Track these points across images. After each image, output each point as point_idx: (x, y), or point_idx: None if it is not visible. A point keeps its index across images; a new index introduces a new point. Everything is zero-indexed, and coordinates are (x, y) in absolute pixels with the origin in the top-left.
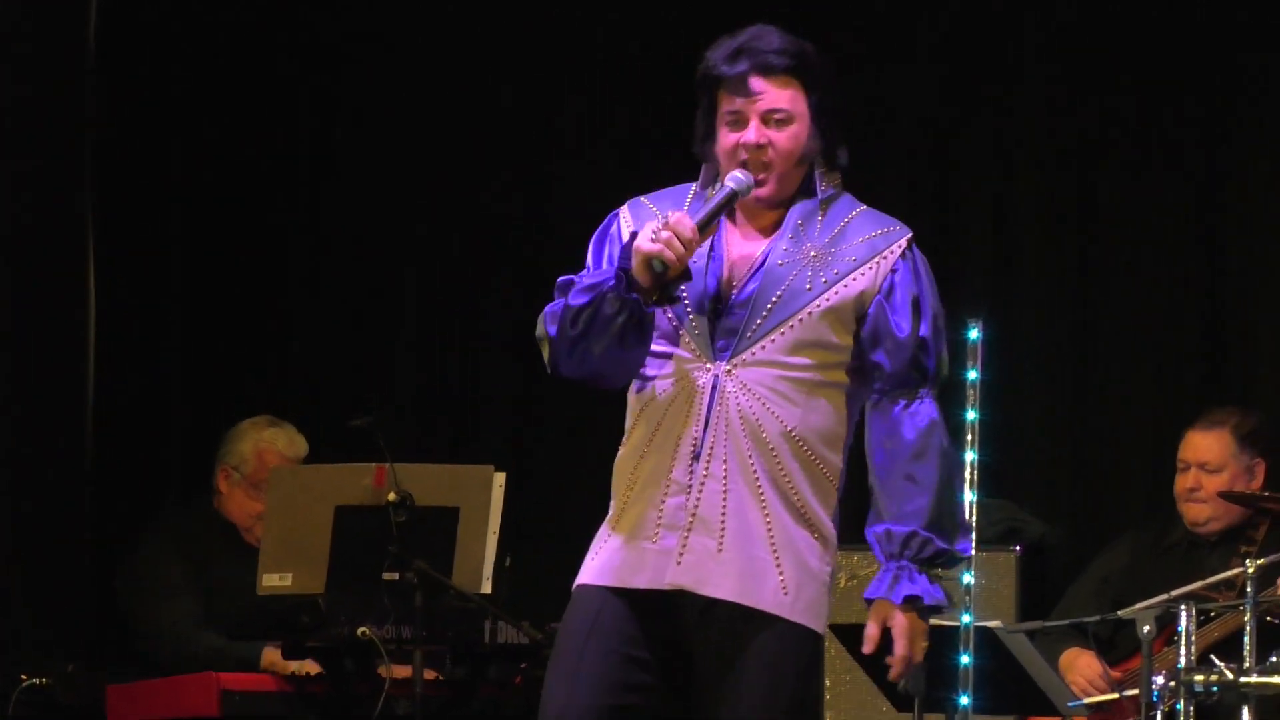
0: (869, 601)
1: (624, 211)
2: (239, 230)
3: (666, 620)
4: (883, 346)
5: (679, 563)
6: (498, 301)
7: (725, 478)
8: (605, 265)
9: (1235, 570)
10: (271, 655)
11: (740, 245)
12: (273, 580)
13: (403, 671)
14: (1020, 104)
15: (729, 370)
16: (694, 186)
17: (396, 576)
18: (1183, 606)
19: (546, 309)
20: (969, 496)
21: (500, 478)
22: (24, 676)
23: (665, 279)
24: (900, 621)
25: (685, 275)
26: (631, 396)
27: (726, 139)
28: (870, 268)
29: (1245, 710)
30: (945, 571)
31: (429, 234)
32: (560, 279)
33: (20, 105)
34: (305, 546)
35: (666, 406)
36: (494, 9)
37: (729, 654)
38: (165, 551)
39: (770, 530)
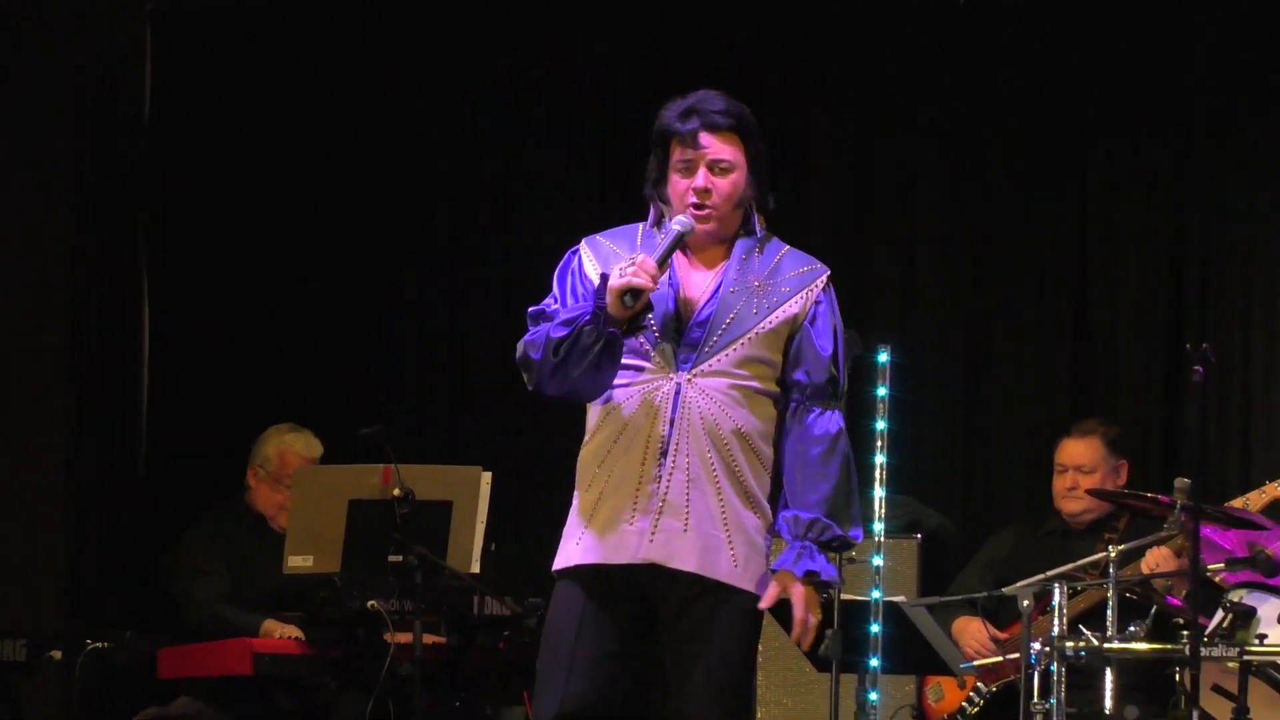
0: (774, 571)
1: (583, 248)
2: (267, 273)
3: (636, 592)
4: (805, 364)
5: (651, 540)
6: (482, 330)
7: (689, 469)
8: (570, 297)
9: (1100, 554)
10: (269, 625)
11: (693, 276)
12: (296, 561)
13: (405, 638)
14: (920, 160)
15: (690, 379)
16: (643, 225)
17: (400, 559)
18: (1056, 584)
19: (526, 338)
20: (879, 493)
21: (487, 477)
22: (89, 641)
23: (635, 311)
24: (799, 591)
25: (649, 307)
26: (596, 403)
27: (678, 184)
28: (800, 298)
29: (1108, 671)
30: (837, 556)
31: (420, 277)
32: (531, 309)
33: (83, 154)
34: (324, 533)
35: (634, 409)
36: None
37: (691, 617)
38: (201, 542)
39: (724, 513)
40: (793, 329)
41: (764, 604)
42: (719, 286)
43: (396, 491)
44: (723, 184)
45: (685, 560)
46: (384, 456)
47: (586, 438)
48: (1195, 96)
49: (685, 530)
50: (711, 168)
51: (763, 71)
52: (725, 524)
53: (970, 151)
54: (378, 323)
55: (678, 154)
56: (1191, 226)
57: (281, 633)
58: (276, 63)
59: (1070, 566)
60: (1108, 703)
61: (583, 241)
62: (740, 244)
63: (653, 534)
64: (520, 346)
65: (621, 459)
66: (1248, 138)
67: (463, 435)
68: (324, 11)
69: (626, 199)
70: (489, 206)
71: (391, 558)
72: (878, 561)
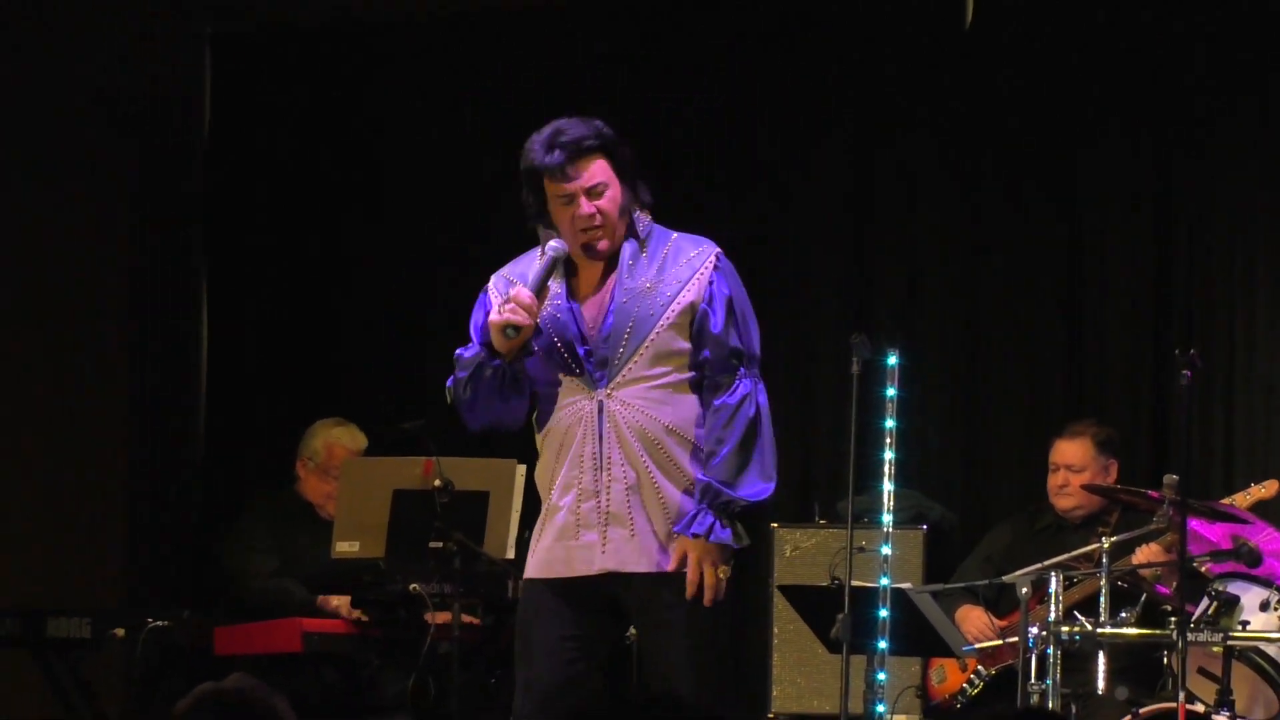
0: (675, 534)
1: (490, 286)
2: (314, 280)
3: (592, 595)
4: (706, 345)
5: (603, 552)
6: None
7: (625, 479)
8: (480, 336)
9: (1093, 546)
10: (333, 600)
11: (588, 292)
12: (344, 547)
13: (444, 618)
14: (920, 166)
15: (609, 394)
16: (538, 250)
17: (440, 545)
18: (1052, 574)
19: (448, 382)
20: (888, 487)
21: (521, 469)
22: (149, 620)
23: (519, 341)
24: (691, 555)
25: (536, 332)
26: (536, 426)
27: (563, 216)
28: (694, 282)
29: (1100, 654)
30: (730, 519)
31: (455, 281)
32: (456, 352)
33: (145, 165)
34: (369, 521)
35: (565, 430)
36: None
37: (655, 607)
38: (255, 525)
39: (666, 509)
40: (692, 313)
41: (670, 567)
42: (612, 300)
43: (437, 482)
44: (604, 204)
45: (638, 563)
46: (425, 449)
47: (538, 455)
48: (1189, 99)
49: (632, 535)
50: (589, 194)
51: (762, 74)
52: (668, 519)
53: (968, 157)
54: (416, 324)
55: (552, 189)
56: (1178, 235)
57: (338, 603)
58: (327, 83)
59: (1065, 557)
60: (1100, 684)
61: (490, 279)
62: (625, 249)
63: (603, 546)
64: (448, 391)
65: (564, 477)
66: (1233, 145)
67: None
68: (370, 35)
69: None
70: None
71: (432, 544)
72: (886, 550)
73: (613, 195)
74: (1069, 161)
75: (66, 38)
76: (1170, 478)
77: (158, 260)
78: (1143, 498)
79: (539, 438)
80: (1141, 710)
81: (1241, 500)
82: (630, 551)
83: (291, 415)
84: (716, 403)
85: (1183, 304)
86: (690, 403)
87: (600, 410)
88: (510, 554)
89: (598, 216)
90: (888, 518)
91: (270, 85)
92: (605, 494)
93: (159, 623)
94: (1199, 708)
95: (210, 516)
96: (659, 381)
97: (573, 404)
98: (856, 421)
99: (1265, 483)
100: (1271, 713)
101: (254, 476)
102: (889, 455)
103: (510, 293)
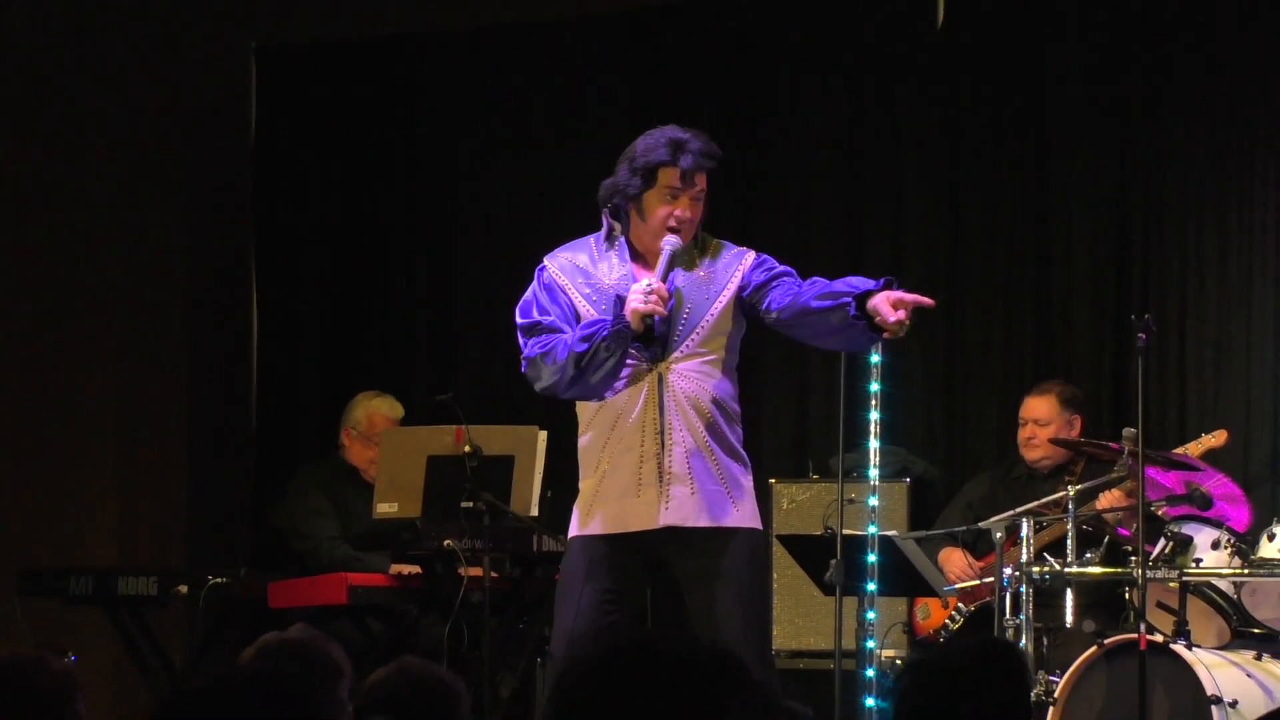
0: (862, 301)
1: (550, 266)
2: (354, 268)
3: (642, 550)
4: (768, 279)
5: (666, 508)
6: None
7: (684, 443)
8: (555, 307)
9: (1060, 494)
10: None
11: (648, 279)
12: (384, 508)
13: (475, 572)
14: (904, 155)
15: (668, 367)
16: (594, 237)
17: (471, 505)
18: (1024, 520)
19: (537, 350)
20: (874, 444)
21: (543, 435)
22: (210, 577)
23: (653, 325)
24: (884, 296)
25: (664, 320)
26: (590, 402)
27: (662, 209)
28: (737, 274)
29: (1068, 591)
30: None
31: (484, 269)
32: (522, 322)
33: (197, 168)
34: (407, 484)
35: (626, 399)
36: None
37: (709, 560)
38: (309, 488)
39: (720, 471)
40: (740, 293)
41: (891, 320)
42: (672, 286)
43: (467, 448)
44: (698, 210)
45: (699, 518)
46: (456, 419)
47: (582, 430)
48: (1145, 92)
49: (693, 494)
50: (696, 200)
51: (758, 74)
52: (723, 480)
53: (947, 144)
54: (448, 306)
55: (667, 181)
56: (1134, 215)
57: (397, 569)
58: (368, 91)
59: (1036, 504)
60: (1069, 618)
61: (546, 259)
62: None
63: (666, 503)
64: (531, 358)
65: (622, 443)
66: (1183, 134)
67: (521, 400)
68: (408, 46)
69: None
70: (538, 217)
71: (463, 504)
72: (873, 502)
73: (701, 207)
74: (1039, 149)
75: (129, 53)
76: (1129, 430)
77: (212, 253)
78: (1104, 449)
79: (591, 409)
80: (1106, 641)
81: (1193, 449)
82: (691, 508)
83: (335, 390)
84: (802, 282)
85: (1139, 275)
86: (729, 379)
87: (660, 381)
88: (534, 512)
89: (691, 221)
90: (875, 472)
91: (310, 92)
92: (668, 456)
93: (218, 580)
94: (1158, 638)
95: (263, 484)
96: (709, 357)
97: (635, 377)
98: (845, 386)
99: (1214, 433)
100: (1224, 640)
101: (302, 447)
102: (875, 416)
103: (649, 284)
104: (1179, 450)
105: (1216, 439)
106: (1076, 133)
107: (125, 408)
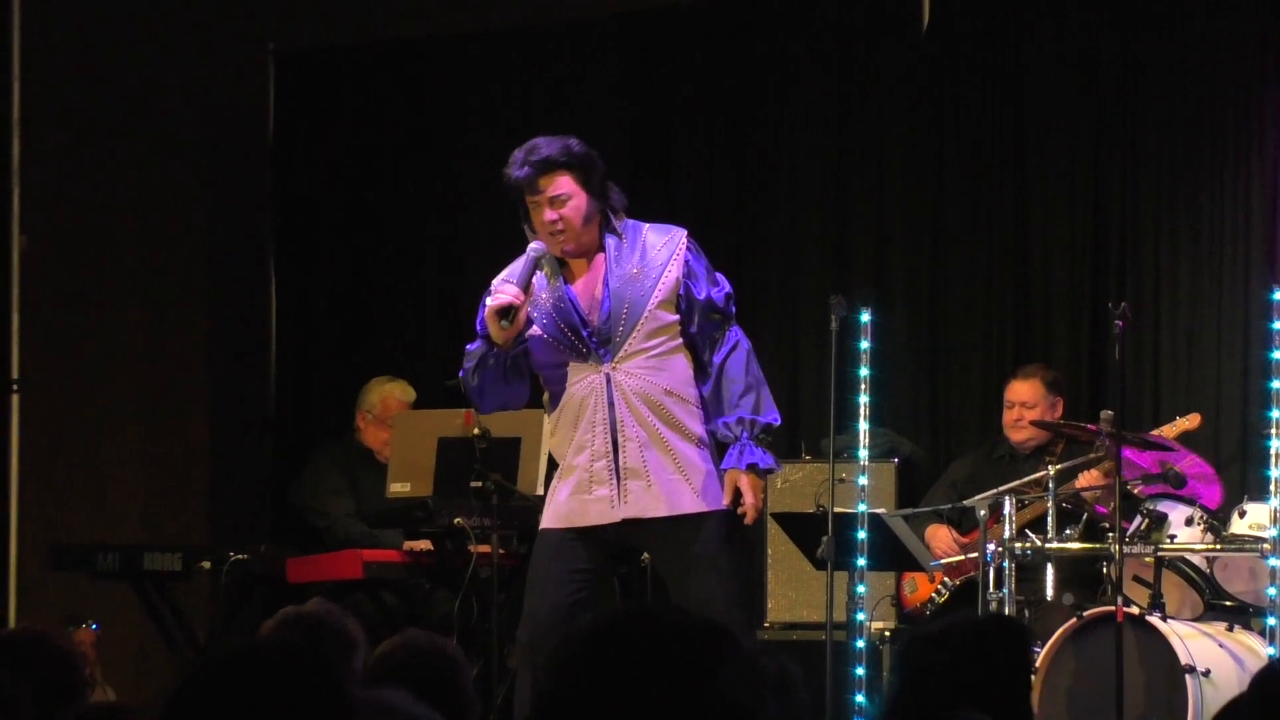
0: (723, 471)
1: (491, 288)
2: (366, 262)
3: (607, 542)
4: (695, 317)
5: (625, 503)
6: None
7: (638, 438)
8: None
9: (1041, 473)
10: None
11: (583, 285)
12: (397, 488)
13: (484, 548)
14: (889, 150)
15: (614, 367)
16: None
17: (480, 485)
18: (1007, 498)
19: (460, 374)
20: (864, 426)
21: (548, 418)
22: (231, 553)
23: (515, 329)
24: (745, 481)
25: (527, 324)
26: (548, 402)
27: (536, 221)
28: (674, 263)
29: (1049, 566)
30: (770, 441)
31: (490, 265)
32: (466, 347)
33: (218, 166)
34: (419, 465)
35: (579, 403)
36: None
37: (677, 547)
38: (327, 469)
39: (675, 459)
40: (678, 289)
41: (725, 502)
42: (606, 287)
43: (476, 430)
44: (567, 212)
45: (656, 509)
46: (466, 402)
47: (550, 430)
48: (1120, 91)
49: (649, 486)
50: (553, 203)
51: (750, 72)
52: (679, 468)
53: (932, 137)
54: (456, 295)
55: (527, 198)
56: (1111, 206)
57: (410, 546)
58: (383, 94)
59: (1018, 483)
60: (1049, 591)
61: (492, 283)
62: (609, 242)
63: (624, 498)
64: (460, 382)
65: (579, 441)
66: (1156, 129)
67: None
68: (421, 49)
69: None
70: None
71: (473, 483)
72: (863, 481)
73: (576, 205)
74: (1019, 147)
75: (158, 58)
76: (1106, 413)
77: (234, 247)
78: (1083, 430)
79: (553, 416)
80: (1085, 613)
81: (1168, 431)
82: (649, 500)
83: (350, 374)
84: (718, 356)
85: (1116, 264)
86: (682, 365)
87: (609, 381)
88: (540, 490)
89: (560, 223)
90: (864, 453)
91: (325, 93)
92: (621, 452)
93: (239, 556)
94: (1134, 610)
95: (281, 464)
96: (655, 351)
97: (582, 380)
98: (836, 370)
99: (1188, 415)
100: (1197, 613)
101: (319, 429)
102: (864, 399)
103: (495, 286)
104: (1154, 432)
105: (1190, 421)
106: (1054, 129)
107: (151, 393)
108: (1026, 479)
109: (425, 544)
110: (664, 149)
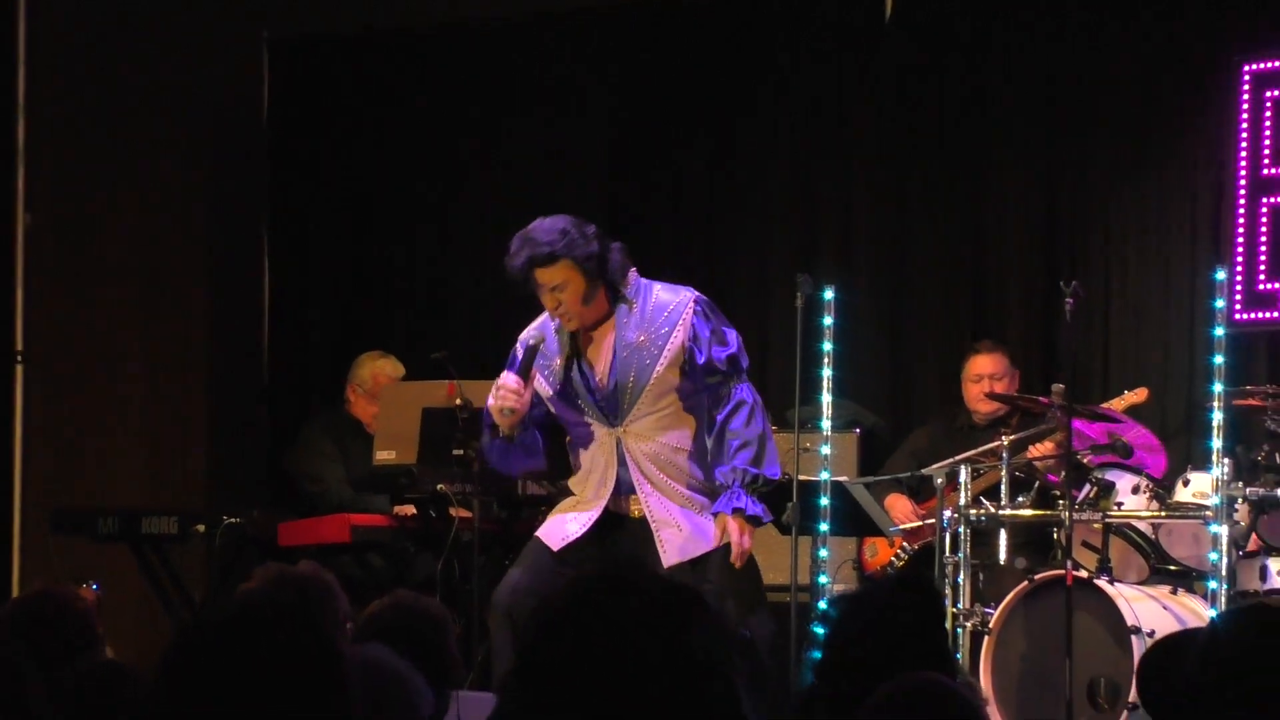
0: (714, 515)
1: (516, 347)
2: (357, 241)
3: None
4: (700, 375)
5: (664, 551)
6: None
7: (654, 495)
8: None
9: (996, 443)
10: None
11: (596, 355)
12: (383, 455)
13: (465, 513)
14: (854, 138)
15: (624, 431)
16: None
17: (461, 453)
18: (963, 467)
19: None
20: (826, 398)
21: None
22: (225, 517)
23: (517, 418)
24: (732, 524)
25: (528, 408)
26: (570, 450)
27: (543, 302)
28: (679, 330)
29: (1002, 531)
30: (763, 491)
31: (473, 245)
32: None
33: (216, 154)
34: (404, 434)
35: (593, 456)
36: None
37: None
38: (319, 438)
39: (692, 504)
40: (684, 354)
41: (714, 544)
42: (615, 357)
43: (458, 401)
44: (564, 297)
45: (669, 559)
46: (448, 374)
47: (574, 467)
48: (1072, 83)
49: (680, 530)
50: (553, 291)
51: (732, 70)
52: (699, 508)
53: (896, 127)
54: (442, 274)
55: (531, 285)
56: (1063, 189)
57: (399, 510)
58: (374, 82)
59: (974, 452)
60: (1002, 556)
61: (517, 341)
62: (619, 311)
63: (661, 547)
64: (482, 453)
65: (596, 489)
66: (1106, 117)
67: (505, 358)
68: (410, 38)
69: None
70: (524, 201)
71: (455, 451)
72: (825, 450)
73: (574, 290)
74: (976, 130)
75: (157, 48)
76: (1057, 386)
77: (229, 226)
78: (1036, 403)
79: (575, 454)
80: (1036, 576)
81: (1116, 404)
82: (678, 544)
83: (339, 348)
84: (722, 414)
85: (1067, 244)
86: (691, 423)
87: (619, 444)
88: None
89: (561, 308)
90: (827, 424)
91: (319, 80)
92: (642, 507)
93: (234, 520)
94: (1083, 574)
95: (274, 433)
96: (662, 413)
97: (599, 438)
98: (801, 345)
99: (1136, 389)
100: (1143, 576)
101: (309, 400)
102: (827, 372)
103: (500, 381)
104: (1103, 405)
105: (1138, 395)
106: (1012, 117)
107: (151, 364)
108: (982, 449)
109: (410, 509)
110: (646, 135)
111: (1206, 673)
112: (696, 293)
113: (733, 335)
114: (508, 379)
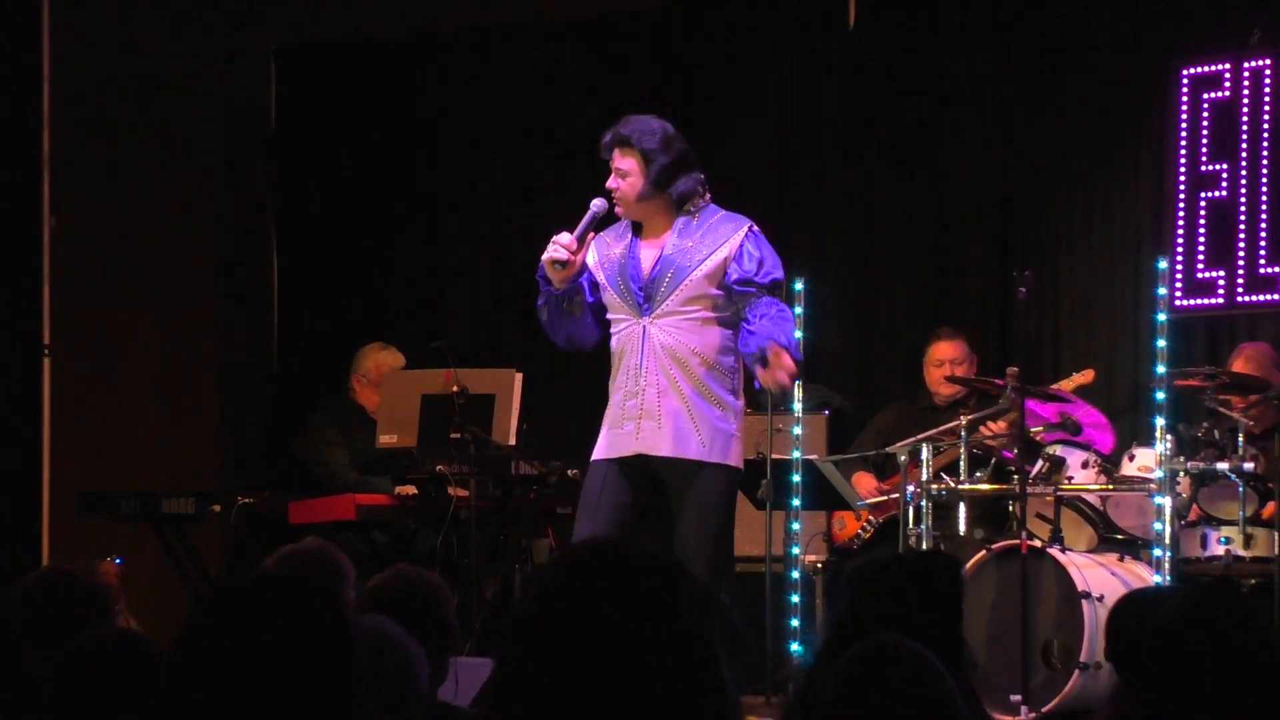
0: (761, 345)
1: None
2: (360, 239)
3: (637, 473)
4: (737, 288)
5: (637, 439)
6: (511, 277)
7: (657, 385)
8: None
9: (955, 423)
10: (401, 489)
11: (646, 249)
12: (386, 439)
13: (463, 492)
14: (825, 135)
15: (651, 321)
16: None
17: (459, 436)
18: (924, 445)
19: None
20: (798, 382)
21: (519, 377)
22: (240, 498)
23: (568, 274)
24: (785, 357)
25: (580, 270)
26: (611, 344)
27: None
28: (727, 245)
29: (962, 505)
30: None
31: (473, 242)
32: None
33: (227, 157)
34: (405, 418)
35: (623, 347)
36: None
37: (677, 491)
38: (326, 425)
39: (689, 410)
40: (724, 266)
41: (757, 382)
42: (661, 252)
43: (455, 388)
44: (624, 185)
45: (662, 448)
46: (446, 362)
47: (613, 366)
48: (1028, 80)
49: (660, 427)
50: (617, 173)
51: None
52: (691, 417)
53: (860, 127)
54: (439, 269)
55: (609, 160)
56: (1018, 184)
57: (401, 490)
58: (376, 89)
59: (934, 431)
60: (962, 528)
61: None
62: (680, 221)
63: (637, 434)
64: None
65: (619, 382)
66: (1061, 113)
67: (501, 347)
68: (411, 47)
69: None
70: (519, 201)
71: (452, 435)
72: (797, 430)
73: (633, 182)
74: (935, 127)
75: (169, 56)
76: (1012, 369)
77: (240, 224)
78: (992, 385)
79: (612, 348)
80: (994, 546)
81: (1066, 385)
82: (657, 439)
83: (344, 337)
84: (752, 314)
85: (1020, 234)
86: (714, 333)
87: (644, 333)
88: (512, 441)
89: (616, 192)
90: (798, 405)
91: (324, 89)
92: (642, 395)
93: (247, 500)
94: (1037, 543)
95: (283, 418)
96: (689, 315)
97: (629, 329)
98: None
99: (1083, 371)
100: (1092, 545)
101: (315, 388)
102: (798, 358)
103: (555, 239)
104: (1054, 386)
105: (1085, 376)
106: (969, 112)
107: (168, 354)
108: (942, 428)
109: (411, 489)
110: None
111: (1179, 635)
112: (752, 222)
113: (776, 263)
114: (562, 236)
